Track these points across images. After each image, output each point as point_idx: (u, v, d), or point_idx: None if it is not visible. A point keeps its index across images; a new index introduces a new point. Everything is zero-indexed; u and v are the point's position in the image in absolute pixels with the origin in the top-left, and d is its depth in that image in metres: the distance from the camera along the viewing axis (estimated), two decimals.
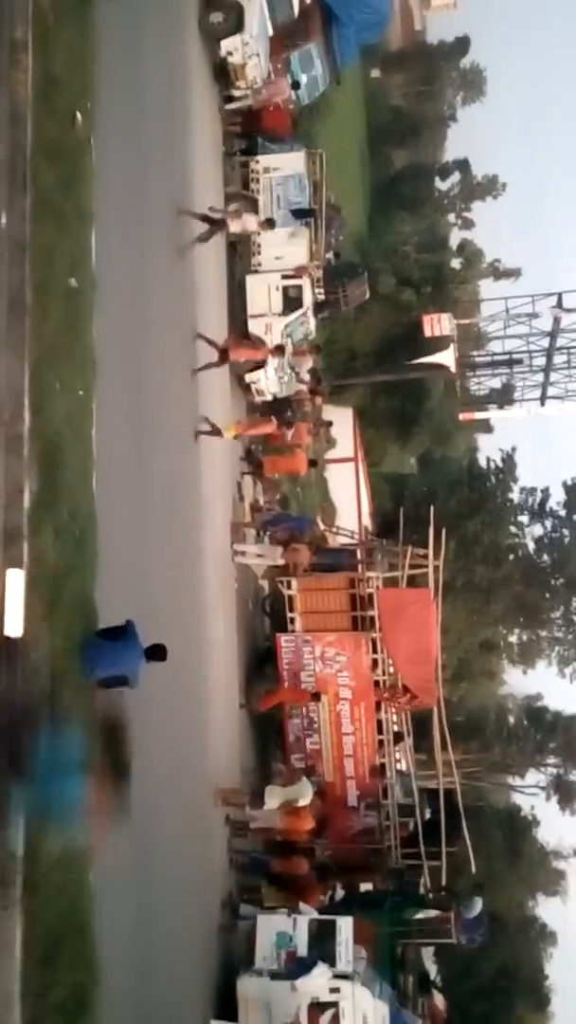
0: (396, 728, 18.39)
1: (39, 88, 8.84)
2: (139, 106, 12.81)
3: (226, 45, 17.72)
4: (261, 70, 18.71)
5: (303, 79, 21.46)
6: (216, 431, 15.52)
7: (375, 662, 17.77)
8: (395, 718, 18.32)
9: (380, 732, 17.67)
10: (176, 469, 13.62)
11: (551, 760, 37.28)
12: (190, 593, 14.03)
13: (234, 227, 16.82)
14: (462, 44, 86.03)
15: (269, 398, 20.46)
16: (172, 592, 12.61)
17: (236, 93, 18.94)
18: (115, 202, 10.88)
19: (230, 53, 17.79)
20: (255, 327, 19.74)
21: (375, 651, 17.76)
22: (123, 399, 10.95)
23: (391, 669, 17.93)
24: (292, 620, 18.01)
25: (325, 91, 24.24)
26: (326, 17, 22.63)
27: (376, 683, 17.66)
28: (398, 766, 18.45)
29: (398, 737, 18.48)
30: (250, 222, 17.32)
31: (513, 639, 39.36)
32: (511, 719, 39.43)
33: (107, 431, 9.77)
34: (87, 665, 8.53)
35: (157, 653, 9.13)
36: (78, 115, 9.81)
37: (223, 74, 18.37)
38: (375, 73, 71.91)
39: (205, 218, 15.69)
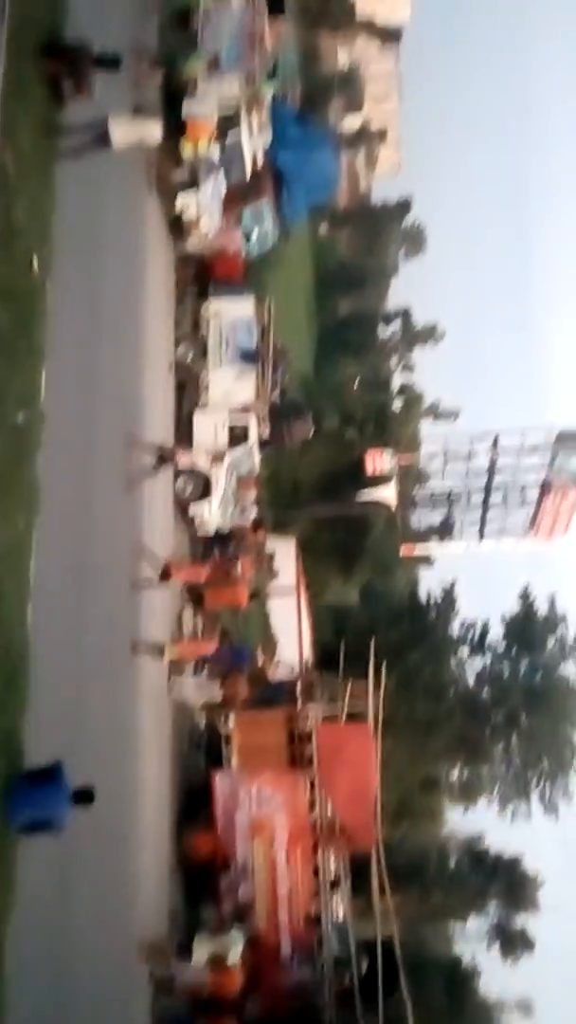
0: (333, 873, 17.81)
1: None
2: (96, 254, 13.44)
3: (182, 199, 18.79)
4: (214, 224, 19.82)
5: (254, 233, 22.74)
6: (157, 650, 15.37)
7: (312, 803, 17.34)
8: (332, 862, 17.77)
9: (316, 876, 17.07)
10: (115, 603, 13.54)
11: (492, 905, 36.21)
12: (124, 728, 13.70)
13: (183, 462, 17.67)
14: (404, 205, 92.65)
15: (212, 531, 20.66)
16: (105, 727, 12.31)
17: (189, 247, 19.93)
18: (68, 342, 11.25)
19: (185, 208, 18.85)
20: (200, 461, 20.12)
21: (313, 790, 17.37)
22: (65, 533, 11.00)
23: (329, 810, 17.51)
24: (228, 758, 17.59)
25: (275, 244, 25.65)
26: (277, 178, 24.24)
27: (313, 825, 17.19)
28: (335, 915, 17.75)
29: (335, 883, 17.87)
30: (200, 458, 18.40)
31: (454, 776, 38.84)
32: (452, 862, 38.42)
33: (47, 565, 9.77)
34: (10, 809, 8.21)
35: (85, 796, 8.84)
36: (35, 260, 10.26)
37: (178, 226, 19.40)
38: (323, 229, 76.61)
39: (159, 455, 16.08)
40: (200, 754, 19.15)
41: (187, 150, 17.96)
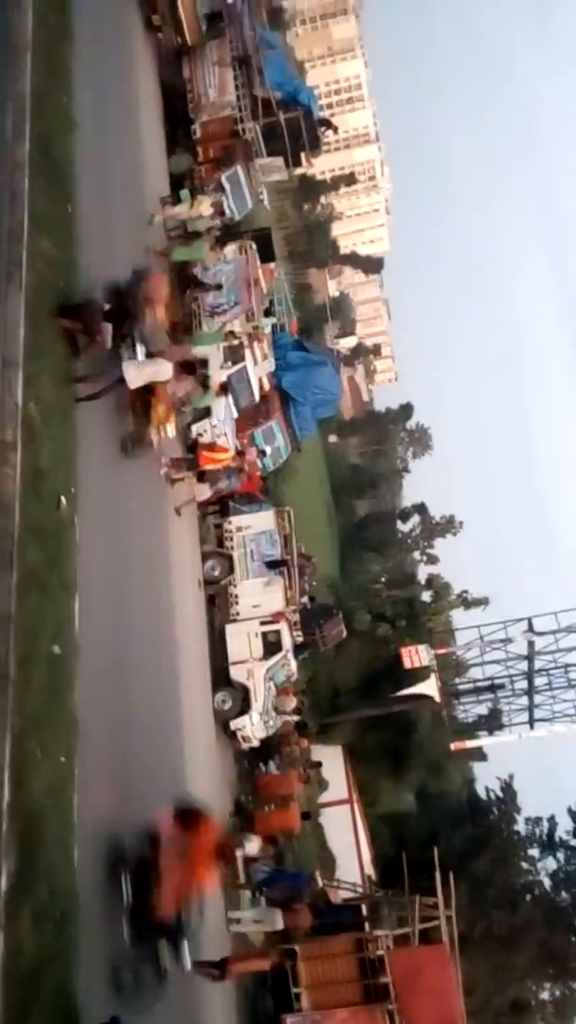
0: None
1: (27, 479, 9.79)
2: (120, 486, 14.07)
3: (196, 427, 19.88)
4: (229, 446, 20.87)
5: (267, 451, 23.90)
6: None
7: None
8: None
9: None
10: None
11: None
12: (182, 976, 12.70)
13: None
14: (406, 410, 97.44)
15: (256, 744, 20.17)
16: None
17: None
18: (98, 572, 11.55)
19: (201, 434, 19.91)
20: (237, 673, 20.00)
21: None
22: (107, 762, 10.76)
23: None
24: (297, 996, 16.16)
25: (288, 458, 26.84)
26: (284, 398, 25.81)
27: None
28: None
29: None
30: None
31: (546, 995, 35.21)
32: None
33: (90, 797, 9.49)
34: None
35: None
36: (62, 499, 10.74)
37: (193, 450, 20.39)
38: (333, 439, 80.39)
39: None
40: (266, 993, 17.63)
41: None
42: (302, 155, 25.90)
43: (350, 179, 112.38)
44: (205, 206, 20.02)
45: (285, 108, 24.53)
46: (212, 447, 18.10)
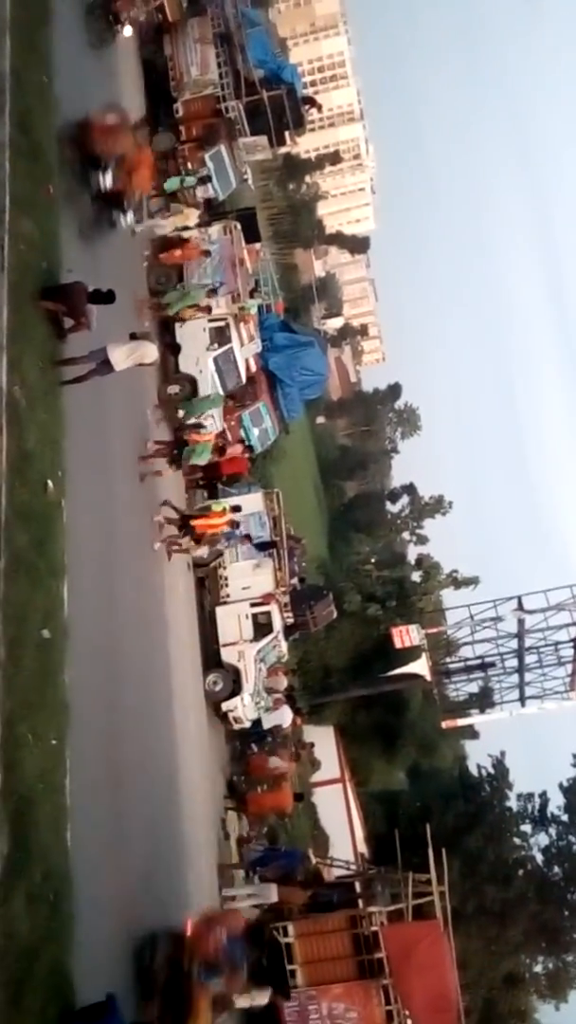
0: None
1: (13, 462, 9.74)
2: (107, 469, 14.03)
3: (182, 412, 19.80)
4: (216, 427, 20.80)
5: (254, 433, 23.82)
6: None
7: (390, 1014, 15.90)
8: None
9: None
10: (157, 815, 13.06)
11: None
12: None
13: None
14: (394, 390, 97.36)
15: (247, 725, 20.24)
16: None
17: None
18: (87, 556, 11.53)
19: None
20: (228, 655, 20.04)
21: (388, 1001, 15.96)
22: (99, 744, 10.79)
23: (409, 1020, 16.01)
24: (292, 972, 16.32)
25: (276, 440, 26.77)
26: (271, 380, 25.71)
27: None
28: None
29: None
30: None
31: (538, 968, 35.59)
32: None
33: (82, 779, 9.52)
34: None
35: None
36: (49, 483, 10.70)
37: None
38: (321, 420, 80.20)
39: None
40: (262, 971, 17.79)
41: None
42: (286, 134, 25.64)
43: (335, 158, 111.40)
44: (192, 218, 19.86)
45: (268, 86, 24.27)
46: (207, 513, 17.76)
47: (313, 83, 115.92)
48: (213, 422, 19.76)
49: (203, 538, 17.70)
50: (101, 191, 14.25)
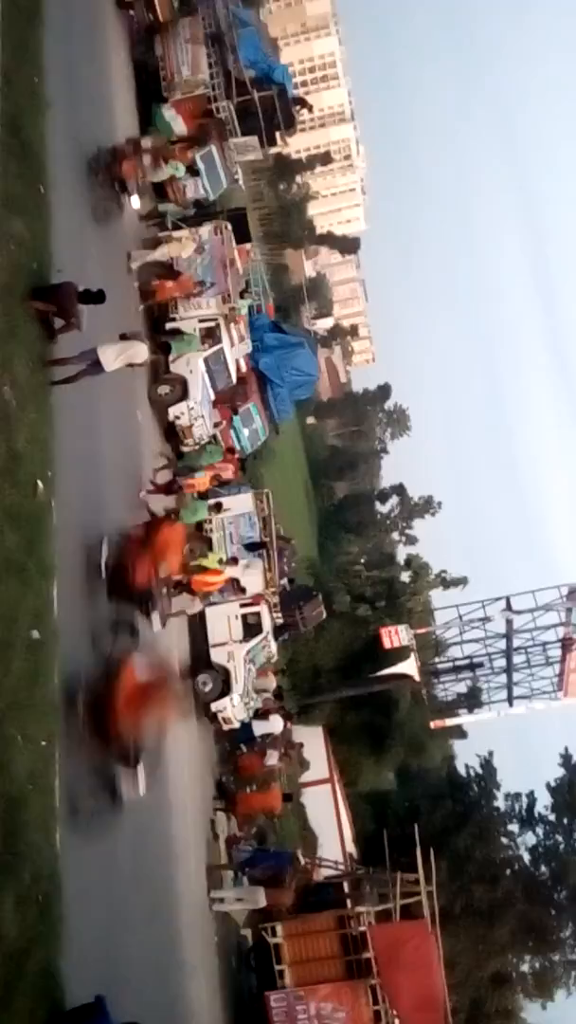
0: None
1: (2, 463, 9.73)
2: (98, 469, 14.01)
3: (173, 410, 19.81)
4: (207, 429, 20.80)
5: (245, 433, 23.84)
6: None
7: (378, 1014, 15.96)
8: None
9: None
10: (145, 815, 13.04)
11: None
12: (166, 954, 12.82)
13: None
14: (384, 391, 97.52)
15: (237, 725, 20.25)
16: (147, 954, 11.54)
17: (185, 449, 20.86)
18: (77, 556, 11.51)
19: (178, 416, 19.85)
20: (217, 656, 20.04)
21: (376, 1001, 16.01)
22: (87, 746, 10.76)
23: (396, 1020, 16.07)
24: (281, 973, 16.36)
25: (266, 441, 26.80)
26: (261, 380, 25.73)
27: None
28: None
29: None
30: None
31: (525, 967, 35.74)
32: None
33: (72, 784, 9.51)
34: None
35: None
36: (39, 483, 10.69)
37: (172, 434, 20.33)
38: (311, 420, 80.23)
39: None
40: (251, 974, 17.83)
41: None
42: (277, 134, 25.68)
43: (325, 158, 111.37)
44: (188, 249, 19.82)
45: (259, 86, 24.27)
46: (204, 571, 17.48)
47: (304, 83, 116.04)
48: (204, 421, 19.76)
49: (199, 594, 17.64)
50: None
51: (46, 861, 8.67)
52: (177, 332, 19.95)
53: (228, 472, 21.00)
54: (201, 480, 17.91)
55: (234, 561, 19.46)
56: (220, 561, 17.97)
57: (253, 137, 24.44)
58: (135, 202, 18.79)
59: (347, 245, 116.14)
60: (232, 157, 23.63)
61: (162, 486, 16.66)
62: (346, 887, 20.18)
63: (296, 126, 27.88)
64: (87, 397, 13.03)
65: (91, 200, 15.39)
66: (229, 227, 22.39)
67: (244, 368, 23.74)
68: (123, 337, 13.33)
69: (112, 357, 12.66)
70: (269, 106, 24.36)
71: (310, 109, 30.96)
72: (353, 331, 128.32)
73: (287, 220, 77.95)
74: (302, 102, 27.73)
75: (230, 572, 18.72)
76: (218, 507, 19.25)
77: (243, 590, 20.44)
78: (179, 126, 20.37)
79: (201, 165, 21.12)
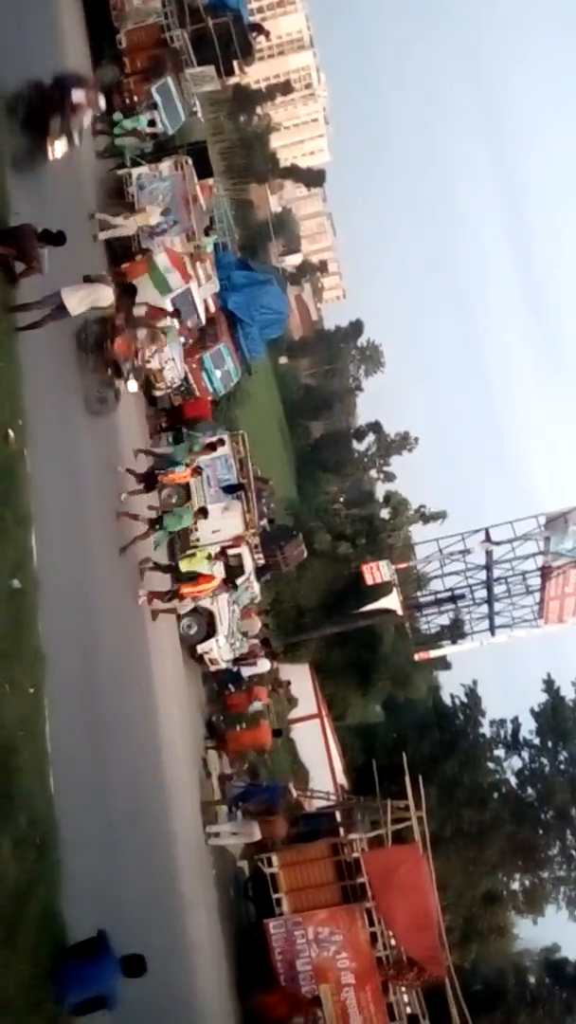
0: (409, 1010, 16.68)
1: None
2: (70, 416, 13.81)
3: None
4: (177, 372, 20.52)
5: (217, 375, 23.52)
6: None
7: (374, 936, 16.45)
8: (406, 998, 16.67)
9: (392, 1018, 15.97)
10: (138, 757, 13.20)
11: None
12: (165, 890, 13.10)
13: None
14: (356, 327, 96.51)
15: (223, 666, 20.42)
16: (145, 893, 11.77)
17: (157, 394, 20.59)
18: (54, 505, 11.40)
19: (147, 361, 19.47)
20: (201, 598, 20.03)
21: (372, 923, 16.50)
22: (76, 690, 10.84)
23: (392, 941, 16.59)
24: (278, 901, 16.79)
25: (239, 382, 26.50)
26: (231, 320, 25.30)
27: (379, 960, 16.22)
28: None
29: (413, 1020, 16.72)
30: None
31: (516, 885, 37.03)
32: (531, 979, 36.06)
33: (62, 725, 9.57)
34: (60, 990, 7.74)
35: (135, 966, 8.33)
36: (10, 432, 10.51)
37: (145, 384, 20.03)
38: (283, 360, 79.40)
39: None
40: (249, 904, 18.30)
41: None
42: (234, 63, 24.91)
43: (286, 87, 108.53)
44: (155, 216, 19.13)
45: (213, 13, 23.47)
46: (196, 579, 16.77)
47: (260, 9, 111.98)
48: (174, 365, 19.47)
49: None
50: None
51: (41, 804, 8.76)
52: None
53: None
54: (182, 474, 17.53)
55: (222, 554, 19.07)
56: (208, 557, 17.65)
57: (210, 67, 23.68)
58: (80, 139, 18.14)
59: (312, 178, 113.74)
60: (189, 89, 22.87)
61: (140, 475, 16.40)
62: (338, 816, 20.60)
63: (254, 54, 27.08)
64: (54, 342, 12.79)
65: (45, 140, 14.84)
66: (190, 162, 21.78)
67: (213, 308, 23.34)
68: (87, 279, 13.03)
69: (76, 301, 12.39)
70: (225, 34, 23.59)
71: (267, 36, 30.27)
72: (322, 267, 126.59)
73: (249, 153, 76.05)
74: (259, 28, 26.93)
75: (220, 573, 18.43)
76: (204, 512, 18.42)
77: (234, 584, 20.11)
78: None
79: (158, 98, 20.49)
